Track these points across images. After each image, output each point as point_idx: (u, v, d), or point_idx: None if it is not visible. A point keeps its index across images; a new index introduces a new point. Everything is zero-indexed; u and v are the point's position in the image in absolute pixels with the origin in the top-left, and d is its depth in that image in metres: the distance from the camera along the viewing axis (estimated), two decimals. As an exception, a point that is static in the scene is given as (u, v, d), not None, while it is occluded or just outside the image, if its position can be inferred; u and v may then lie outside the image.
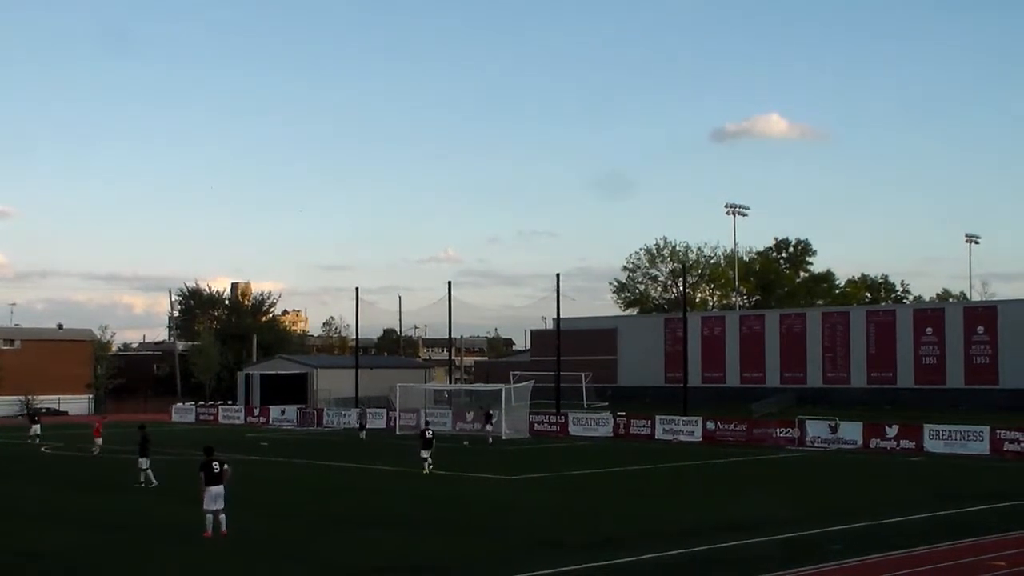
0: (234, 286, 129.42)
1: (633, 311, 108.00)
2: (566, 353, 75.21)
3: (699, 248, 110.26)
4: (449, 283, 76.42)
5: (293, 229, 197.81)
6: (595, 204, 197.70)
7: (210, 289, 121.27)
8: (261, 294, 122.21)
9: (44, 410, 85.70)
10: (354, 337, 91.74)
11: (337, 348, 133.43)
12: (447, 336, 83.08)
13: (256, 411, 79.36)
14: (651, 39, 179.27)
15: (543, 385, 71.57)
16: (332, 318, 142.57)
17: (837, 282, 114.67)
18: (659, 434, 57.72)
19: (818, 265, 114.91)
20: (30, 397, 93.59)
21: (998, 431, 48.20)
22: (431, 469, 38.97)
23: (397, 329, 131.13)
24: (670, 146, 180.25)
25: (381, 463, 44.87)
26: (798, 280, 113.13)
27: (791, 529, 25.09)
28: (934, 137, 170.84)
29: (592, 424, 61.60)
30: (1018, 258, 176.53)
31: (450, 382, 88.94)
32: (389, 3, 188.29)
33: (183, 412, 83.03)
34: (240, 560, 21.85)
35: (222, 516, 23.95)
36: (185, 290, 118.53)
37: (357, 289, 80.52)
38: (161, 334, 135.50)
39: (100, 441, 47.84)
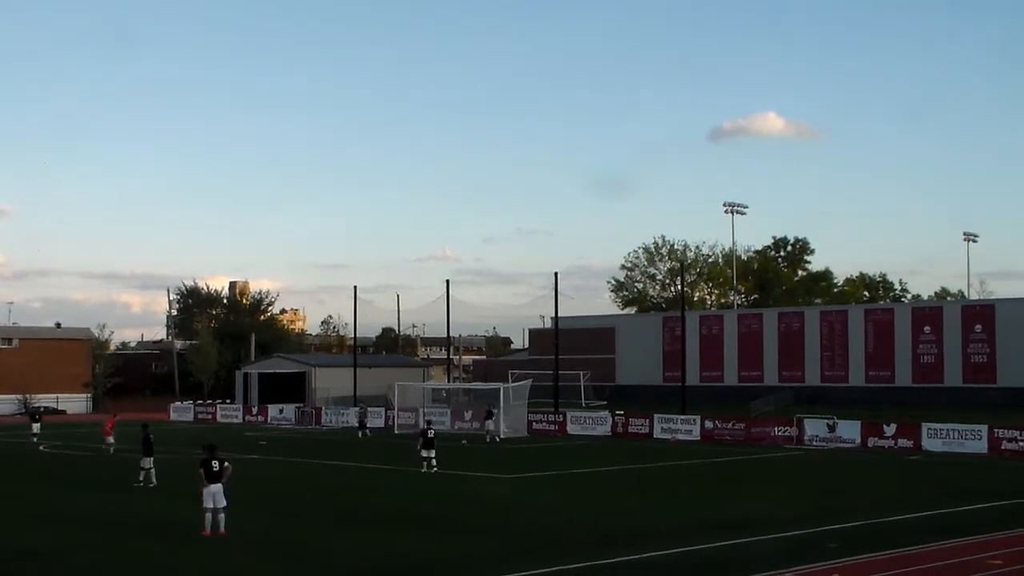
0: (232, 285, 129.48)
1: (631, 310, 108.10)
2: (564, 352, 75.24)
3: (697, 247, 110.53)
4: (447, 282, 76.50)
5: (291, 228, 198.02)
6: (593, 203, 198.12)
7: (208, 288, 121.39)
8: (259, 293, 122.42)
9: (43, 408, 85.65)
10: (352, 336, 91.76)
11: (335, 347, 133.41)
12: (445, 335, 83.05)
13: (254, 410, 79.35)
14: (649, 39, 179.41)
15: (541, 384, 71.60)
16: (330, 317, 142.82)
17: (835, 281, 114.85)
18: (657, 433, 57.74)
19: (816, 264, 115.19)
20: (28, 396, 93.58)
21: (996, 430, 48.21)
22: (434, 469, 38.95)
23: (395, 328, 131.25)
24: (668, 145, 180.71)
25: (380, 462, 44.90)
26: (796, 279, 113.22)
27: (789, 528, 25.12)
28: (932, 136, 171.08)
29: (590, 423, 61.61)
30: (1016, 257, 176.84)
31: (448, 381, 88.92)
32: (389, 3, 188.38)
33: (181, 411, 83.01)
34: (239, 559, 21.86)
35: (221, 515, 23.94)
36: (183, 289, 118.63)
37: (355, 288, 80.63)
38: (159, 333, 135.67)
39: (112, 440, 47.23)
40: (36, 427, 55.40)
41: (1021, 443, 46.77)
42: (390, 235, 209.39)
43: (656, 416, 59.16)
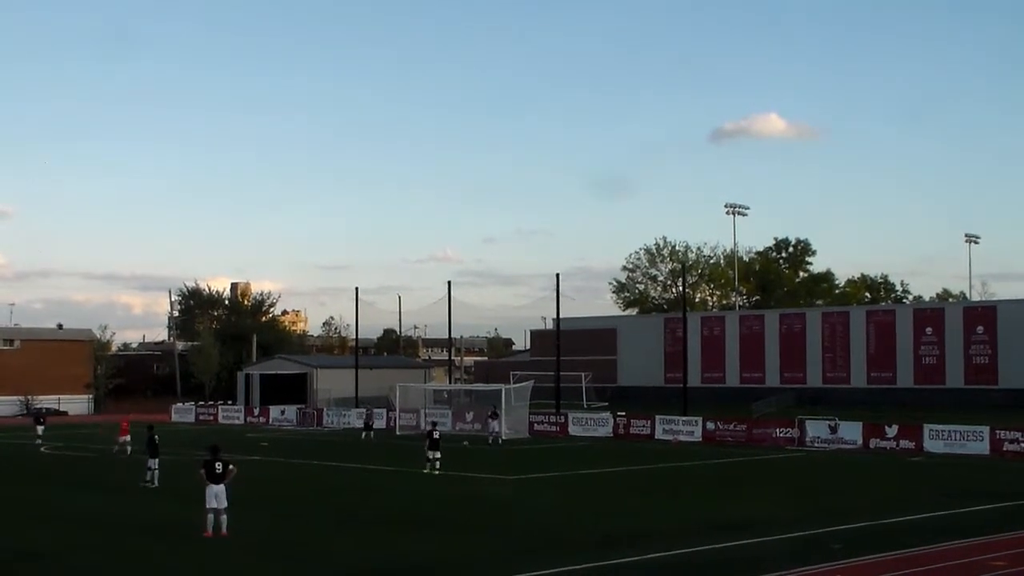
0: (234, 286, 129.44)
1: (633, 311, 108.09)
2: (566, 353, 75.22)
3: (699, 248, 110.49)
4: (449, 283, 76.56)
5: (292, 229, 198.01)
6: (594, 204, 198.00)
7: (210, 289, 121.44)
8: (261, 294, 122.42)
9: (45, 410, 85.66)
10: (354, 337, 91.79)
11: (337, 348, 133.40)
12: (447, 336, 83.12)
13: (256, 411, 79.36)
14: (649, 39, 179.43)
15: (543, 385, 71.59)
16: (332, 318, 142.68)
17: (837, 282, 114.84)
18: (659, 434, 57.70)
19: (818, 265, 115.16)
20: (29, 397, 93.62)
21: (998, 431, 48.18)
22: (437, 471, 38.89)
23: (397, 329, 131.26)
24: (669, 145, 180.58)
25: (382, 463, 44.89)
26: (798, 280, 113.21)
27: (791, 529, 25.08)
28: (933, 137, 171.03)
29: (592, 424, 61.58)
30: (1018, 258, 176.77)
31: (450, 382, 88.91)
32: (389, 3, 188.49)
33: (183, 412, 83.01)
34: (240, 560, 21.84)
35: (223, 517, 23.90)
36: (185, 290, 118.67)
37: (357, 289, 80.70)
38: (161, 334, 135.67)
39: (128, 438, 46.94)
40: (40, 429, 55.27)
41: (1023, 444, 46.73)
42: (391, 236, 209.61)
43: (658, 417, 59.13)
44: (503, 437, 56.76)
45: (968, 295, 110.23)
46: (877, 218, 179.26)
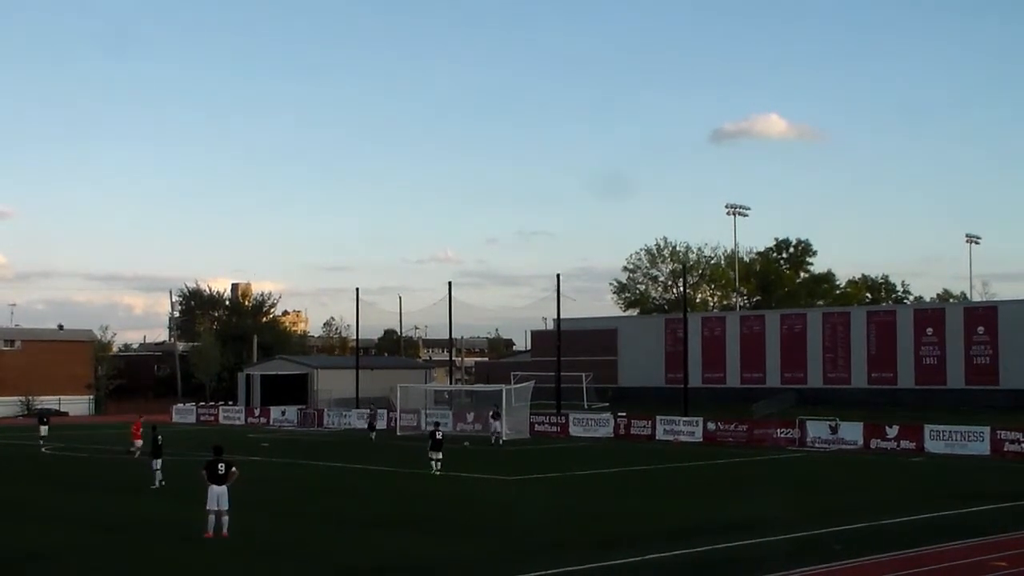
0: (234, 287, 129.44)
1: (634, 311, 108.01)
2: (567, 354, 75.21)
3: (699, 248, 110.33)
4: (449, 283, 76.56)
5: (293, 230, 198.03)
6: (595, 204, 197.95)
7: (210, 290, 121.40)
8: (261, 295, 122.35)
9: (41, 410, 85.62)
10: (354, 337, 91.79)
11: (337, 349, 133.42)
12: (448, 337, 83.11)
13: (257, 412, 79.37)
14: (651, 39, 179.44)
15: (544, 386, 71.55)
16: (332, 319, 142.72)
17: (837, 282, 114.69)
18: (660, 435, 57.71)
19: (818, 265, 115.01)
20: (30, 398, 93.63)
21: (999, 431, 48.17)
22: (439, 470, 38.87)
23: (397, 330, 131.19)
24: (670, 146, 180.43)
25: (383, 464, 44.89)
26: (798, 280, 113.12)
27: (792, 529, 25.08)
28: (934, 137, 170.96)
29: (593, 425, 61.61)
30: (1018, 258, 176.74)
31: (451, 383, 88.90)
32: (389, 3, 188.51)
33: (184, 413, 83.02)
34: (240, 560, 21.85)
35: (225, 518, 23.87)
36: (185, 291, 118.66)
37: (357, 290, 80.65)
38: (161, 335, 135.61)
39: (140, 443, 46.96)
40: (44, 430, 55.16)
41: (1023, 444, 46.79)
42: (392, 236, 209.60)
43: (658, 418, 59.14)
44: (504, 437, 56.77)
45: (969, 295, 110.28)
46: (878, 218, 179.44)
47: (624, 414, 61.89)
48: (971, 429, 49.08)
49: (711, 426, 56.74)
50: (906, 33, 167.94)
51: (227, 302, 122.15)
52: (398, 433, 63.60)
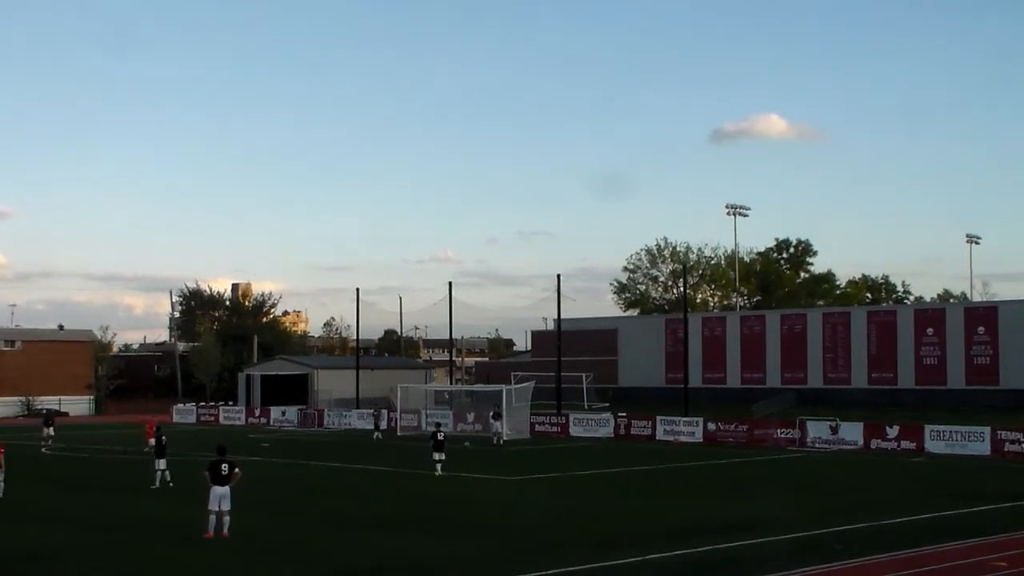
0: (235, 287, 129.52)
1: (634, 312, 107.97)
2: (567, 354, 75.18)
3: (700, 249, 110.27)
4: (450, 284, 76.58)
5: (293, 230, 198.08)
6: (595, 204, 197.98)
7: (211, 290, 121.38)
8: (262, 295, 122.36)
9: (47, 411, 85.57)
10: (355, 338, 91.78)
11: (338, 349, 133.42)
12: (448, 337, 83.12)
13: (257, 412, 79.38)
14: (651, 39, 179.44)
15: (544, 386, 71.53)
16: (333, 319, 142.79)
17: (838, 282, 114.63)
18: (660, 435, 57.70)
19: (819, 265, 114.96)
20: (31, 398, 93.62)
21: (999, 432, 48.16)
22: (438, 472, 38.85)
23: (398, 330, 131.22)
24: (670, 146, 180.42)
25: (383, 464, 44.88)
26: (799, 281, 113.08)
27: (792, 530, 25.07)
28: (934, 137, 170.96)
29: (593, 425, 61.60)
30: (1019, 258, 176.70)
31: (451, 383, 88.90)
32: (389, 3, 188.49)
33: (184, 413, 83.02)
34: (240, 560, 21.84)
35: (226, 518, 23.84)
36: (186, 291, 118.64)
37: (358, 290, 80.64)
38: (162, 335, 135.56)
39: (153, 442, 46.90)
40: (49, 431, 55.01)
41: (1024, 445, 46.75)
42: (392, 237, 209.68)
43: (659, 418, 59.12)
44: (504, 438, 56.77)
45: (969, 295, 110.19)
46: (878, 219, 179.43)
47: (624, 414, 61.88)
48: (971, 429, 49.06)
49: (711, 426, 56.72)
50: (906, 33, 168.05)
51: (227, 302, 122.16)
52: (399, 433, 63.60)
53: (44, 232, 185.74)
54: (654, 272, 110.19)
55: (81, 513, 29.53)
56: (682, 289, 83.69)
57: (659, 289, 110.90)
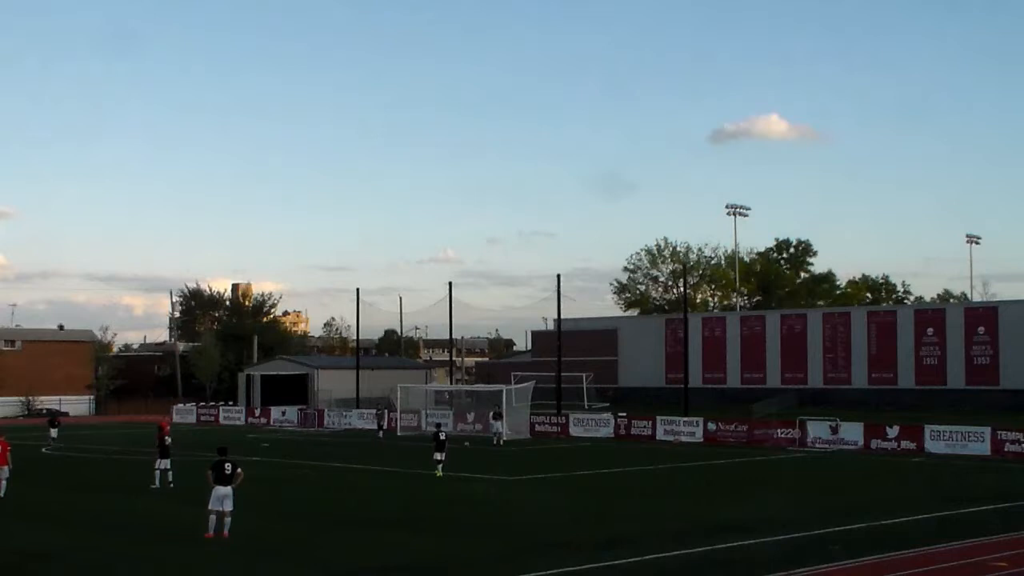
0: (235, 287, 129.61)
1: (634, 312, 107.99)
2: (567, 354, 75.20)
3: (700, 249, 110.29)
4: (450, 284, 76.62)
5: (294, 230, 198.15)
6: (595, 204, 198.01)
7: (211, 290, 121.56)
8: (262, 295, 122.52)
9: (46, 411, 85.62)
10: (355, 338, 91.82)
11: (338, 349, 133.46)
12: (448, 337, 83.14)
13: (257, 412, 79.41)
14: (651, 39, 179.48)
15: (544, 386, 71.53)
16: (333, 319, 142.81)
17: (838, 283, 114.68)
18: (660, 435, 57.69)
19: (819, 266, 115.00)
20: (31, 398, 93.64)
21: (999, 432, 48.15)
22: (438, 473, 38.84)
23: (398, 330, 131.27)
24: (670, 146, 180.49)
25: (383, 464, 44.88)
26: (799, 281, 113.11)
27: (792, 530, 25.07)
28: (934, 137, 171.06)
29: (593, 425, 61.60)
30: (1019, 259, 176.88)
31: (451, 383, 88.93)
32: (390, 3, 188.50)
33: (184, 413, 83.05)
34: (240, 560, 21.84)
35: (227, 519, 23.82)
36: (186, 291, 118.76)
37: (358, 290, 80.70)
38: (162, 335, 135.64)
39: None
40: (54, 432, 54.96)
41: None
42: (392, 237, 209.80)
43: (659, 418, 59.12)
44: (505, 438, 56.78)
45: (969, 296, 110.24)
46: (878, 219, 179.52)
47: (624, 414, 61.87)
48: (971, 429, 49.05)
49: (711, 426, 56.73)
50: (906, 33, 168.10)
51: (227, 302, 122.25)
52: (399, 433, 63.60)
53: (44, 232, 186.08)
54: (654, 272, 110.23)
55: (81, 513, 29.53)
56: (682, 289, 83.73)
57: (659, 289, 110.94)
